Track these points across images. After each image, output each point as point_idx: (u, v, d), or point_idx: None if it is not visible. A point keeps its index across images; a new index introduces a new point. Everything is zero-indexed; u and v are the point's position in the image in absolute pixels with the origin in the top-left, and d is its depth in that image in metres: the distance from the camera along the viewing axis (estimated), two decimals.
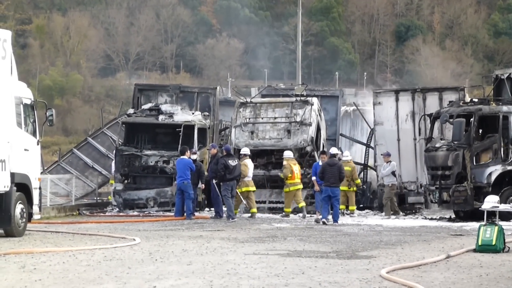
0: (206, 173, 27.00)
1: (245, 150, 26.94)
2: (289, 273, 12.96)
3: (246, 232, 20.69)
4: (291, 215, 26.92)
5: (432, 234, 20.62)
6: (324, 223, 23.87)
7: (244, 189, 26.10)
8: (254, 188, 26.39)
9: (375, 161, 29.46)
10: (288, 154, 26.92)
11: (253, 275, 12.70)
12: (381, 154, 28.40)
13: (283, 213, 26.60)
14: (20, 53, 78.91)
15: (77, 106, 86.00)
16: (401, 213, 27.34)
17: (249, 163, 26.42)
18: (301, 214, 26.87)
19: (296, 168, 26.64)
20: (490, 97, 26.43)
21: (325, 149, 27.70)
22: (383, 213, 27.26)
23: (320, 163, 25.12)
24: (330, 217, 24.35)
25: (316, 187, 25.34)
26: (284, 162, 26.69)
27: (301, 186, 26.76)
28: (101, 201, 31.82)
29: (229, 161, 25.12)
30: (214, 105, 30.62)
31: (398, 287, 11.88)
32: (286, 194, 26.73)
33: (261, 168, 28.61)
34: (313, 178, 25.58)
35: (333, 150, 25.77)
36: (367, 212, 28.87)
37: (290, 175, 26.40)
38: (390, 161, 27.34)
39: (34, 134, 20.18)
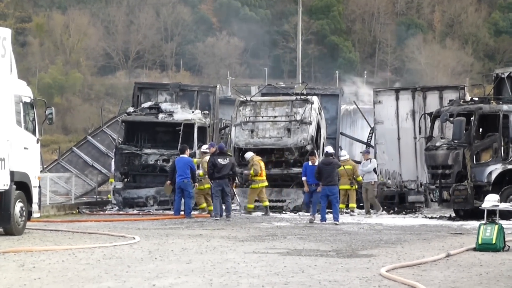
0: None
1: (204, 148, 26.93)
2: (288, 271, 12.94)
3: (246, 231, 20.68)
4: (291, 214, 26.92)
5: (432, 233, 20.60)
6: (311, 221, 23.76)
7: (206, 186, 26.14)
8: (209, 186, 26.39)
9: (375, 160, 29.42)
10: (250, 154, 26.94)
11: (253, 273, 12.68)
12: (360, 152, 28.40)
13: (245, 210, 26.64)
14: (19, 51, 78.88)
15: (77, 105, 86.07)
16: (371, 211, 27.13)
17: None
18: (300, 213, 26.89)
19: (263, 165, 26.72)
20: (491, 96, 26.43)
21: (315, 150, 27.52)
22: (374, 210, 27.13)
23: (310, 164, 24.94)
24: (330, 215, 24.33)
25: (306, 188, 25.21)
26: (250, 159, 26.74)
27: (267, 183, 26.83)
28: (100, 199, 31.78)
29: (218, 160, 24.90)
30: (214, 103, 30.56)
31: (398, 286, 11.85)
32: (252, 191, 26.73)
33: None
34: (304, 178, 25.37)
35: (329, 149, 25.70)
36: None
37: (260, 171, 26.45)
38: (370, 159, 27.35)
39: (33, 132, 20.15)
